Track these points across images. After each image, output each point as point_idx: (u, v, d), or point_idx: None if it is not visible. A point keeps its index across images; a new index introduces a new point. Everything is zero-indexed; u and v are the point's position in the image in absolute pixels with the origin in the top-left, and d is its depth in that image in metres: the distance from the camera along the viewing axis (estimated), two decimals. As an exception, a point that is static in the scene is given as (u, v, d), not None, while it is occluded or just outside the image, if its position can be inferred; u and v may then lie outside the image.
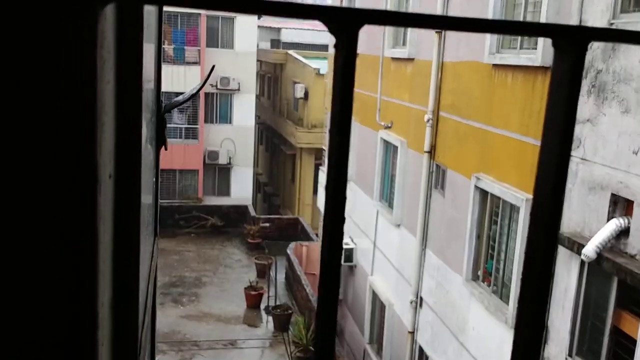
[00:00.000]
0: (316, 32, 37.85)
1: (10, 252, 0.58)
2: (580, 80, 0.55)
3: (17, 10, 0.53)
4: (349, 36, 0.48)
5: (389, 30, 12.46)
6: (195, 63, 24.84)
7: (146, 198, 1.27)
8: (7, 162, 0.56)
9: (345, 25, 0.48)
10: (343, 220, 0.51)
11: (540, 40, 7.29)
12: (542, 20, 7.17)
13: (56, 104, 0.56)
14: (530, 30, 0.57)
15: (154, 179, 1.66)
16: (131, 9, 0.78)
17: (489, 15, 8.36)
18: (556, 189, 0.55)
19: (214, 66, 2.63)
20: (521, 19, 7.95)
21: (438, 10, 9.95)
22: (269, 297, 16.96)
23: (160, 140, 1.77)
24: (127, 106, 0.81)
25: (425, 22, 0.52)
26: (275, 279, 17.37)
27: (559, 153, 0.55)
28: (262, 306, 17.09)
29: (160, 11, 1.68)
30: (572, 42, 0.53)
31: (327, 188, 0.49)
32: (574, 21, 6.56)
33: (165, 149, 1.79)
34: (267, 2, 0.48)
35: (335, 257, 0.50)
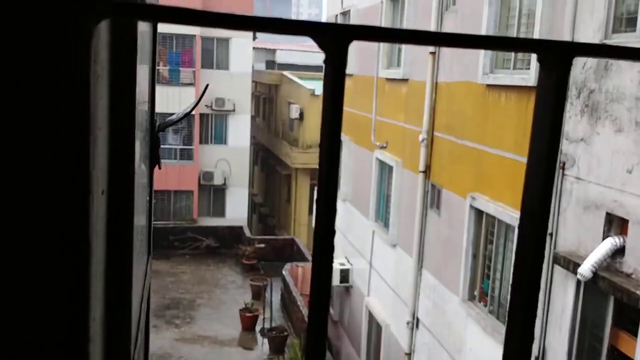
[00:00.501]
0: (311, 54, 38.08)
1: (1, 267, 0.59)
2: (565, 95, 0.56)
3: (11, 26, 0.54)
4: (338, 51, 0.49)
5: (383, 51, 12.56)
6: (190, 84, 24.93)
7: (140, 216, 1.27)
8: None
9: (334, 41, 0.49)
10: (333, 233, 0.51)
11: (534, 60, 7.36)
12: (535, 41, 7.25)
13: (49, 117, 0.57)
14: (516, 45, 0.58)
15: (148, 198, 1.66)
16: (125, 25, 0.79)
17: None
18: (543, 204, 0.56)
19: (207, 85, 2.64)
20: (514, 40, 8.04)
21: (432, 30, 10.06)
22: (264, 319, 16.82)
23: (154, 160, 1.77)
24: (120, 123, 0.82)
25: (413, 38, 0.53)
26: (271, 300, 17.24)
27: (545, 167, 0.55)
28: (258, 328, 16.93)
29: (154, 32, 1.70)
30: (556, 57, 0.54)
31: (318, 197, 0.50)
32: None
33: (159, 168, 1.79)
34: (258, 18, 0.49)
35: (325, 269, 0.50)
